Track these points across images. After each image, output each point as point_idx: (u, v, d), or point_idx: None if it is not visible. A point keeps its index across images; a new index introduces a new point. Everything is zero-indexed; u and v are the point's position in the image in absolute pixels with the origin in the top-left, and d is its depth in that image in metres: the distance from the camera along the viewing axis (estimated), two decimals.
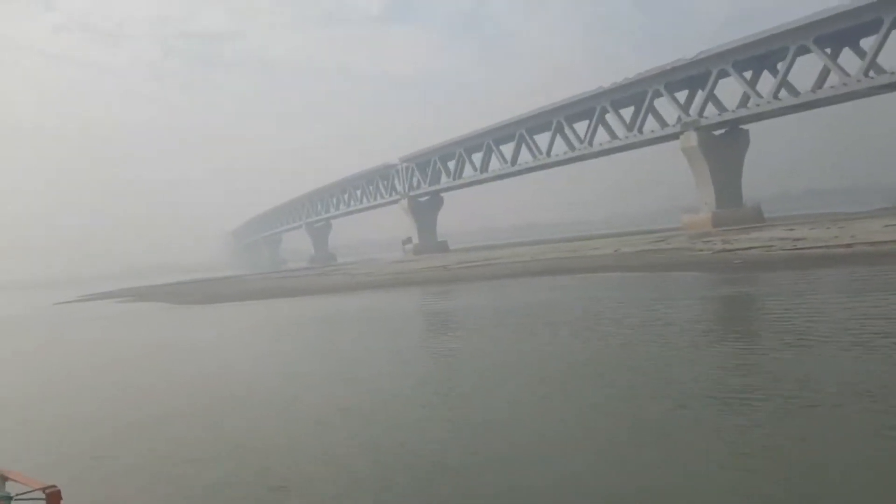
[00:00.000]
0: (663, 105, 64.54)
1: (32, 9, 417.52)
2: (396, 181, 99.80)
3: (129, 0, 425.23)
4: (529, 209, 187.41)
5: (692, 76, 60.79)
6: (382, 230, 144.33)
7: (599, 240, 58.56)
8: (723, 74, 58.62)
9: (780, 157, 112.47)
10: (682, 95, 63.39)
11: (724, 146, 60.80)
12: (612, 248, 41.72)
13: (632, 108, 66.87)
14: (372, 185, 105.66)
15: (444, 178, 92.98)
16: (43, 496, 3.37)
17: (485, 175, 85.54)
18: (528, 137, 76.67)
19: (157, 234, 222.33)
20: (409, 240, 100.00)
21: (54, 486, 3.39)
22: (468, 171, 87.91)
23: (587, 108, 68.71)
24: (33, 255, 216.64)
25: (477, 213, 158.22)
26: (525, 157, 78.57)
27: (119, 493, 7.57)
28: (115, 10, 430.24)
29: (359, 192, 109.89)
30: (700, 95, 61.22)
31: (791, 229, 38.54)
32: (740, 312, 16.80)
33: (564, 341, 14.66)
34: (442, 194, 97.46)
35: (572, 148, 71.97)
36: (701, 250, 33.82)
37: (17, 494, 3.50)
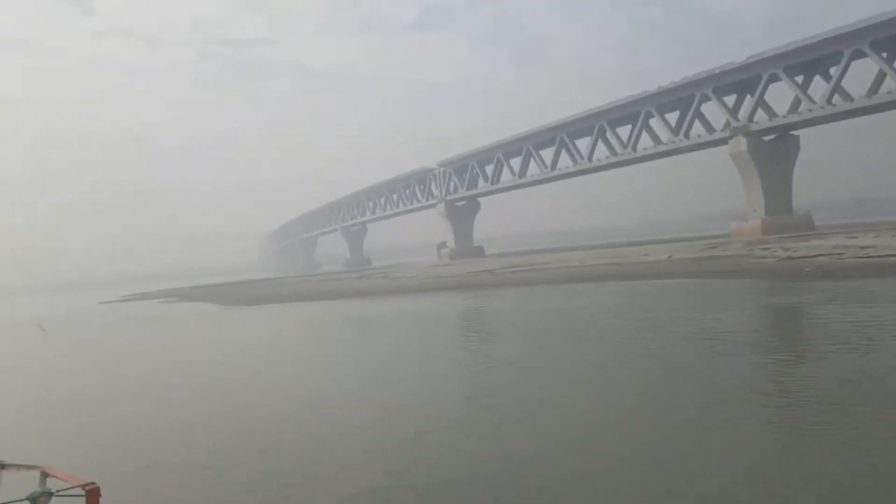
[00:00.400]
0: (708, 110, 63.40)
1: (72, 14, 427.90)
2: (434, 185, 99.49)
3: (168, 5, 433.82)
4: (562, 215, 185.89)
5: (741, 80, 59.49)
6: (415, 234, 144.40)
7: (647, 246, 57.41)
8: (773, 79, 57.28)
9: (824, 165, 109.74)
10: (729, 100, 62.15)
11: (774, 152, 59.35)
12: (666, 254, 40.75)
13: (677, 113, 65.73)
14: (409, 189, 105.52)
15: (481, 183, 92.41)
16: (83, 492, 3.44)
17: (523, 180, 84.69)
18: (568, 142, 75.70)
19: (191, 237, 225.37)
20: (443, 244, 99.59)
21: (94, 483, 3.45)
22: (506, 175, 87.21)
23: (631, 112, 67.62)
24: (66, 256, 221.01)
25: (509, 218, 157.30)
26: (565, 161, 77.70)
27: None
28: (154, 16, 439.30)
29: (395, 196, 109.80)
30: (749, 100, 59.95)
31: (853, 237, 37.23)
32: (842, 324, 15.41)
33: (635, 352, 13.94)
34: (479, 199, 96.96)
35: (614, 153, 70.90)
36: (763, 257, 32.79)
37: (57, 490, 3.54)
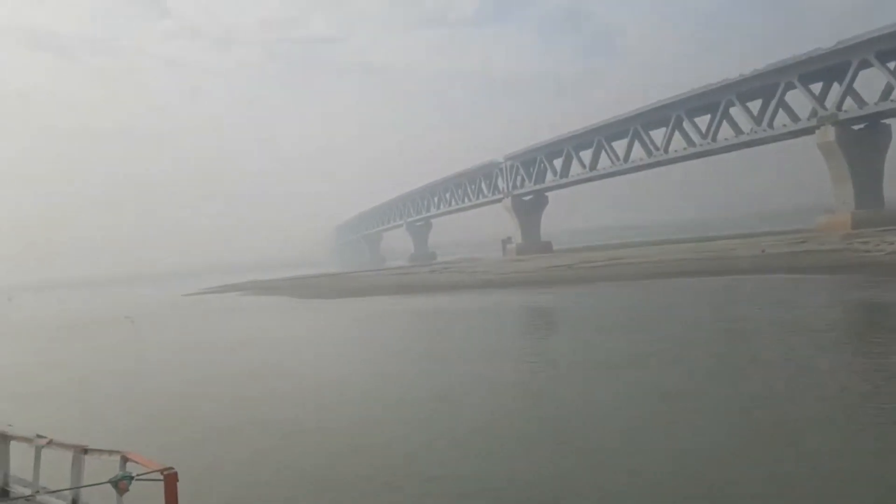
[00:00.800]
0: (792, 98, 61.03)
1: (148, 15, 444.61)
2: (500, 179, 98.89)
3: (237, 6, 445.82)
4: (615, 211, 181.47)
5: (829, 67, 57.06)
6: (475, 230, 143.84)
7: (732, 240, 55.78)
8: (864, 65, 54.71)
9: None
10: (815, 88, 59.70)
11: (864, 142, 56.78)
12: (758, 249, 39.53)
13: (759, 102, 63.57)
14: (474, 184, 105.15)
15: (549, 176, 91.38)
16: (161, 477, 3.59)
17: (594, 173, 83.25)
18: (643, 133, 74.08)
19: (260, 231, 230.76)
20: (509, 239, 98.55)
21: (171, 469, 3.61)
22: (576, 168, 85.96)
23: (710, 101, 65.59)
24: (136, 250, 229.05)
25: (568, 214, 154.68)
26: (638, 153, 76.04)
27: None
28: (222, 17, 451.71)
29: (460, 191, 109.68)
30: (836, 88, 57.48)
31: None
32: None
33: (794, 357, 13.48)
34: (546, 194, 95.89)
35: (692, 144, 69.05)
36: (867, 251, 31.47)
37: (137, 475, 3.73)
